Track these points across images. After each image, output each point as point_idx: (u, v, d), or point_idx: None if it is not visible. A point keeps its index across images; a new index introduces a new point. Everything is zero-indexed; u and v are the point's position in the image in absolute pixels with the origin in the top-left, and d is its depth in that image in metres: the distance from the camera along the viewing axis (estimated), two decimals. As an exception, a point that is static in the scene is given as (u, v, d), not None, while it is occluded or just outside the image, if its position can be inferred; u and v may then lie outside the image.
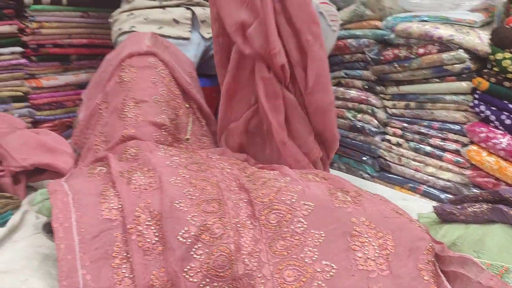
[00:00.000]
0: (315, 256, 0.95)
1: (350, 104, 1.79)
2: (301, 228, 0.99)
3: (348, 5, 1.78)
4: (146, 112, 1.38)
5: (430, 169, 1.57)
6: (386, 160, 1.69)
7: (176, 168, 1.16)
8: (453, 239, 1.05)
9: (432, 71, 1.54)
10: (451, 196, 1.46)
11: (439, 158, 1.56)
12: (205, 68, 1.75)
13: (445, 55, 1.48)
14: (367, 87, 1.73)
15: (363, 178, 1.73)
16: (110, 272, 0.92)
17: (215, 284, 0.92)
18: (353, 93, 1.77)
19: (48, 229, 1.06)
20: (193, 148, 1.46)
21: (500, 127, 1.40)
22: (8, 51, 1.65)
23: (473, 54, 1.45)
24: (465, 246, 1.01)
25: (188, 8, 1.72)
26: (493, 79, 1.41)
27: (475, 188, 1.47)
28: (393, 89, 1.66)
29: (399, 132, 1.65)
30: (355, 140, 1.77)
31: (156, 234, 0.98)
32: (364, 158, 1.75)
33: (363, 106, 1.74)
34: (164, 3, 1.70)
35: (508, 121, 1.38)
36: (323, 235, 0.98)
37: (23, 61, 1.70)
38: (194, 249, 0.95)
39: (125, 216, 0.99)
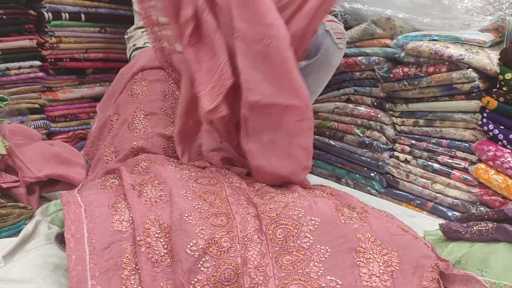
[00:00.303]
0: (321, 271, 0.96)
1: (359, 121, 1.80)
2: (307, 243, 1.01)
3: (359, 23, 1.80)
4: (156, 124, 1.40)
5: (438, 186, 1.58)
6: (394, 176, 1.70)
7: (186, 182, 1.18)
8: (458, 257, 1.05)
9: (441, 89, 1.55)
10: (458, 214, 1.46)
11: (447, 175, 1.56)
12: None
13: (454, 74, 1.50)
14: (376, 104, 1.75)
15: (371, 194, 1.73)
16: (119, 283, 0.95)
17: (222, 297, 0.93)
18: (362, 109, 1.79)
19: (60, 239, 1.08)
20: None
21: (508, 146, 1.41)
22: (27, 64, 1.70)
23: (482, 74, 1.46)
24: (469, 264, 1.01)
25: None
26: (501, 98, 1.42)
27: (483, 206, 1.47)
28: (402, 107, 1.67)
29: (407, 149, 1.67)
30: (364, 156, 1.78)
31: (165, 246, 1.00)
32: (372, 174, 1.76)
33: (372, 123, 1.76)
34: None
35: (516, 140, 1.39)
36: (329, 250, 0.99)
37: (40, 74, 1.74)
38: (201, 262, 0.96)
39: (135, 228, 1.02)
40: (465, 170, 1.53)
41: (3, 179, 1.30)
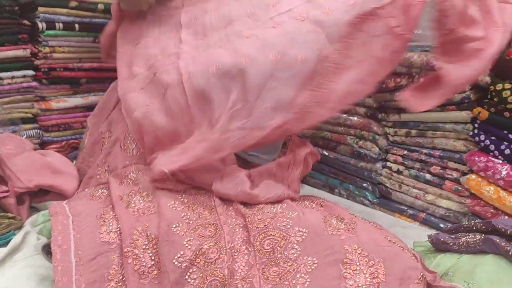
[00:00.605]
0: (307, 283, 0.96)
1: (352, 131, 1.80)
2: (294, 255, 1.01)
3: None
4: None
5: (430, 197, 1.58)
6: (386, 187, 1.70)
7: (175, 193, 1.18)
8: (446, 268, 1.05)
9: (432, 100, 1.55)
10: (450, 224, 1.46)
11: (439, 186, 1.56)
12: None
13: (445, 85, 1.50)
14: (369, 114, 1.75)
15: (364, 204, 1.73)
16: (105, 295, 0.95)
17: (208, 308, 0.93)
18: (355, 119, 1.79)
19: (47, 250, 1.08)
20: None
21: (499, 157, 1.41)
22: (20, 74, 1.70)
23: (474, 84, 1.47)
24: (456, 276, 1.01)
25: None
26: (493, 109, 1.42)
27: (474, 217, 1.47)
28: (394, 117, 1.67)
29: (399, 159, 1.66)
30: (356, 166, 1.78)
31: (152, 258, 1.01)
32: (364, 185, 1.76)
33: (365, 133, 1.76)
34: None
35: (507, 151, 1.38)
36: (315, 261, 0.99)
37: (34, 84, 1.74)
38: (188, 273, 0.97)
39: (123, 239, 1.02)
40: (456, 180, 1.52)
41: (-8, 189, 1.31)
